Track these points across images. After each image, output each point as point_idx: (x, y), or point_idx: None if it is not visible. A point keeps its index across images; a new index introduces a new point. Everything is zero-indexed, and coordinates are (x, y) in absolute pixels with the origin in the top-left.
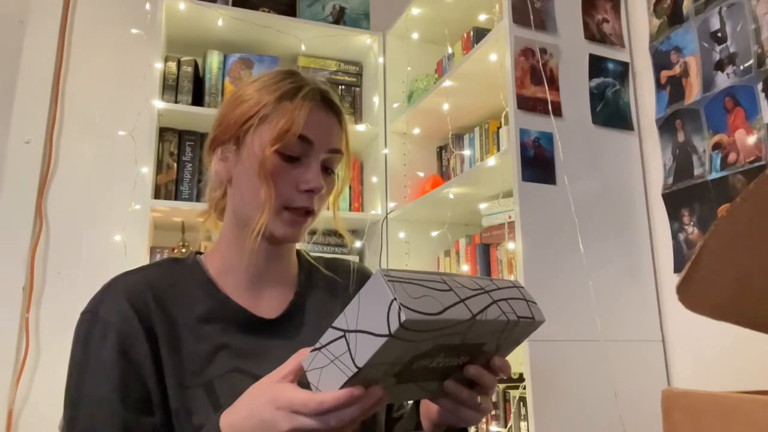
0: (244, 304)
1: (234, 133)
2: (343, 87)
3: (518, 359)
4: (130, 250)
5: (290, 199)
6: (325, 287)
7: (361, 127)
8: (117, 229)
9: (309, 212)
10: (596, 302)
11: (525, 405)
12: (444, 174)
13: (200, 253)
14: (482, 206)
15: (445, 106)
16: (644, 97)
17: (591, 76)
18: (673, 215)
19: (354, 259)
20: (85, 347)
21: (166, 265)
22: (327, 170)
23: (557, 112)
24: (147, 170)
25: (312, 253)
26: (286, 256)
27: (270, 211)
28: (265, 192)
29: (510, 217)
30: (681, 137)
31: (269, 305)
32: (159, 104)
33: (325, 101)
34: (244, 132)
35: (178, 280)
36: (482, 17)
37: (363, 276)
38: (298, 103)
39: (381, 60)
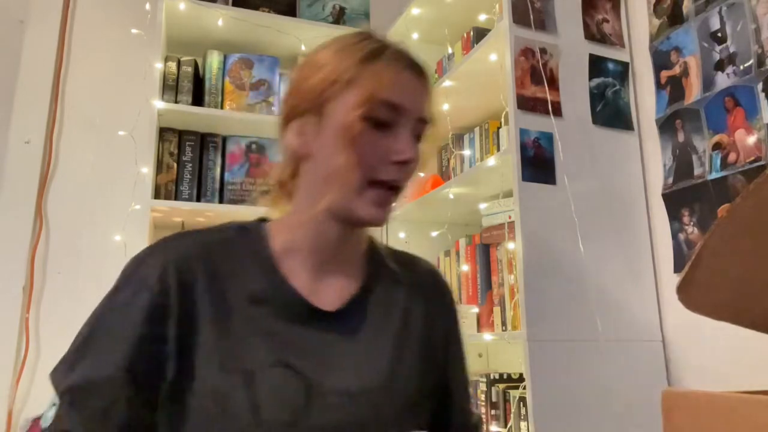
0: (301, 290)
1: (314, 103)
2: None
3: (518, 359)
4: (130, 250)
5: (376, 172)
6: (392, 284)
7: None
8: (117, 229)
9: (394, 188)
10: (596, 302)
11: (525, 405)
12: (444, 174)
13: (265, 220)
14: (482, 206)
15: (445, 106)
16: (644, 97)
17: (591, 76)
18: (673, 215)
19: None
20: (113, 298)
21: (229, 232)
22: (416, 140)
23: (557, 112)
24: (147, 170)
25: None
26: (358, 242)
27: (353, 184)
28: (348, 160)
29: (510, 217)
30: (681, 137)
31: (329, 295)
32: (159, 104)
33: (412, 63)
34: (326, 100)
35: (236, 252)
36: (482, 17)
37: (435, 278)
38: (383, 64)
39: None
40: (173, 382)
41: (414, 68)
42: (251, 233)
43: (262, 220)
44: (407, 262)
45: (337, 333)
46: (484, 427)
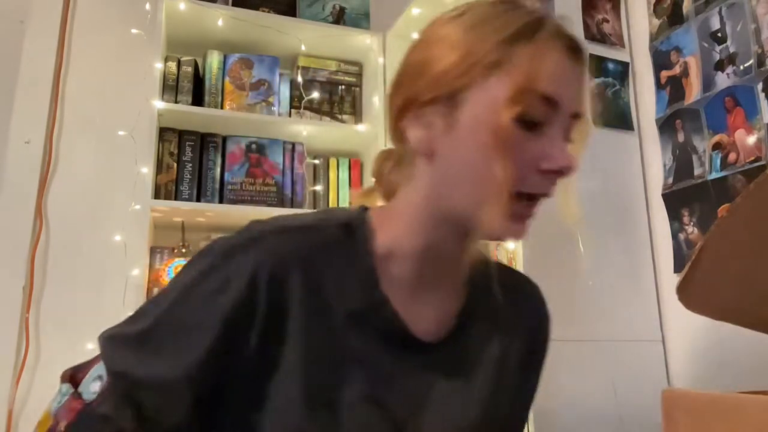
0: (400, 311)
1: (446, 91)
2: (343, 87)
3: None
4: (130, 250)
5: (522, 183)
6: (492, 309)
7: (361, 127)
8: (117, 229)
9: (540, 200)
10: (596, 302)
11: None
12: None
13: (367, 209)
14: None
15: None
16: (644, 97)
17: (591, 76)
18: (673, 215)
19: None
20: (189, 289)
21: (331, 231)
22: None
23: None
24: (147, 170)
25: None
26: (467, 255)
27: (496, 196)
28: (503, 171)
29: None
30: (681, 137)
31: (425, 320)
32: (159, 104)
33: (572, 44)
34: (461, 88)
35: (338, 259)
36: None
37: (541, 313)
38: (539, 45)
39: (381, 60)
40: (242, 409)
41: (574, 50)
42: (356, 233)
43: (364, 212)
44: (514, 288)
45: (432, 369)
46: None
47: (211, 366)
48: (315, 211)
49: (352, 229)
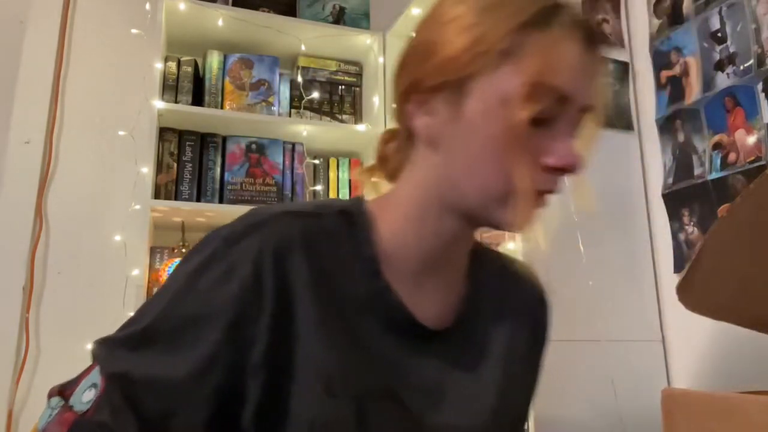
0: (404, 299)
1: (453, 76)
2: (343, 87)
3: None
4: (130, 250)
5: (534, 180)
6: (497, 298)
7: (361, 127)
8: (117, 229)
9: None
10: (596, 302)
11: None
12: None
13: (364, 201)
14: None
15: None
16: (644, 97)
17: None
18: (673, 215)
19: None
20: (194, 274)
21: (331, 219)
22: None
23: None
24: (147, 170)
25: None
26: (468, 243)
27: (500, 192)
28: (521, 174)
29: None
30: (681, 137)
31: (430, 308)
32: (159, 104)
33: (589, 34)
34: (471, 75)
35: (340, 246)
36: None
37: (545, 303)
38: (554, 35)
39: (381, 60)
40: (258, 404)
41: (592, 40)
42: (356, 222)
43: (361, 201)
44: (513, 274)
45: (441, 358)
46: None
47: (221, 362)
48: (312, 200)
49: (352, 218)
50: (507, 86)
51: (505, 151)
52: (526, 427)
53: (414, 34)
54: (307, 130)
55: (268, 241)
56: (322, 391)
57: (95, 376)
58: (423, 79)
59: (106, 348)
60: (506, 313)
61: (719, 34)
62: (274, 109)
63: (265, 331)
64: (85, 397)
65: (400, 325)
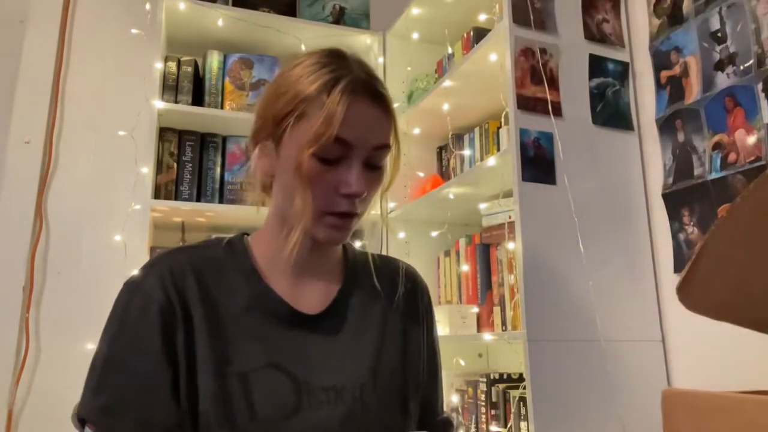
0: (285, 297)
1: (272, 131)
2: None
3: (518, 359)
4: (130, 250)
5: (331, 204)
6: (370, 286)
7: None
8: (117, 229)
9: (352, 215)
10: (596, 302)
11: (525, 405)
12: (444, 174)
13: (247, 234)
14: (482, 206)
15: (445, 106)
16: (644, 97)
17: (591, 76)
18: (673, 215)
19: None
20: (123, 318)
21: (215, 248)
22: (372, 167)
23: (557, 112)
24: (147, 170)
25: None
26: (333, 251)
27: (309, 218)
28: (302, 199)
29: (510, 217)
30: (681, 137)
31: (311, 299)
32: (159, 104)
33: (368, 91)
34: (282, 131)
35: (223, 265)
36: (482, 17)
37: (412, 281)
38: (335, 98)
39: (381, 60)
40: (186, 385)
41: (370, 97)
42: (236, 247)
43: (244, 234)
44: (382, 264)
45: (320, 334)
46: (456, 428)
47: (167, 370)
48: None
49: (232, 246)
50: (300, 137)
51: (302, 183)
52: (524, 428)
53: (257, 102)
54: None
55: (165, 270)
56: (213, 372)
57: None
58: (257, 133)
59: (80, 407)
60: (379, 296)
61: (719, 34)
62: None
63: (181, 335)
64: None
65: (283, 314)
